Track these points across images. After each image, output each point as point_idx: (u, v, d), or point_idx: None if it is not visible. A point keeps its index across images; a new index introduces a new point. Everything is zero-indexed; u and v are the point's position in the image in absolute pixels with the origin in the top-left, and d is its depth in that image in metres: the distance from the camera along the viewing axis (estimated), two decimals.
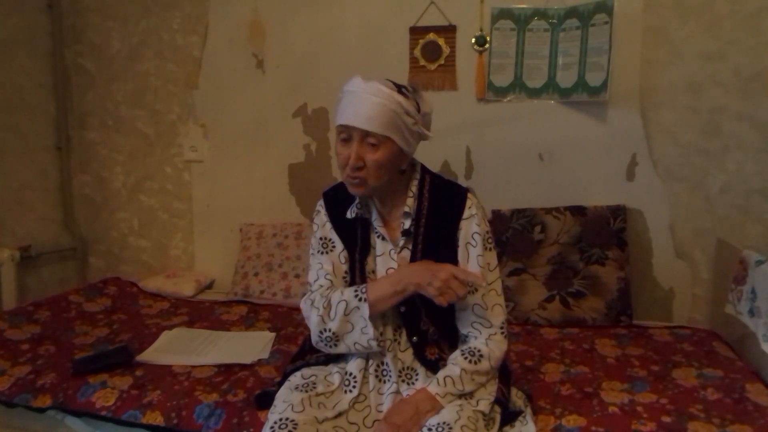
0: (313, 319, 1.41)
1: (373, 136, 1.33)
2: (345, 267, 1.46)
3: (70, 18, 2.95)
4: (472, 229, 1.42)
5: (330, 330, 1.38)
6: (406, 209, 1.43)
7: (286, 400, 1.35)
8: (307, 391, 1.37)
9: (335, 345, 1.40)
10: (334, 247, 1.48)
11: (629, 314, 2.22)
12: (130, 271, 2.99)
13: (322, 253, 1.49)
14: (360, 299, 1.35)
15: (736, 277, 1.86)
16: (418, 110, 1.39)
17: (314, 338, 1.43)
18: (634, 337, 2.10)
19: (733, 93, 2.23)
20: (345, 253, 1.47)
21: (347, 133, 1.36)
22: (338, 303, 1.37)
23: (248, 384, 1.71)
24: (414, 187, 1.45)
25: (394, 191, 1.45)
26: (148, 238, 3.01)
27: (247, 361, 1.87)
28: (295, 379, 1.44)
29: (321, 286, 1.44)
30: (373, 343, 1.36)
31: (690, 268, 2.35)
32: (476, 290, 1.39)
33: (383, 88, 1.34)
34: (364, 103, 1.33)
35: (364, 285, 1.38)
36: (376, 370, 1.42)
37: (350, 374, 1.42)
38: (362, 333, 1.36)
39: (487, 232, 1.45)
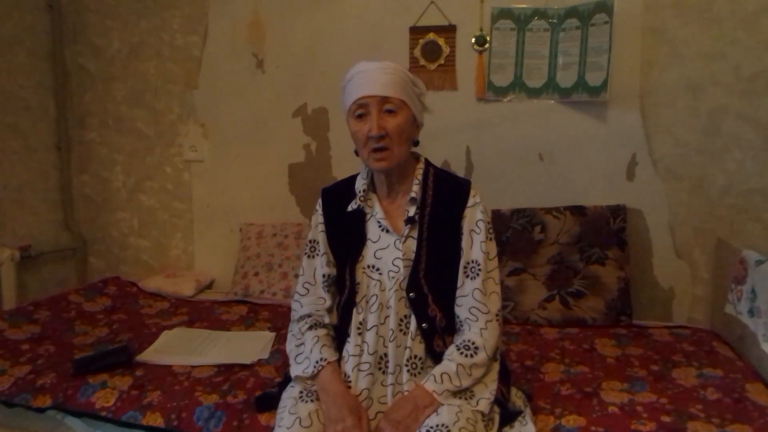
0: (288, 347, 1.53)
1: (391, 101, 1.38)
2: (325, 271, 1.53)
3: (70, 18, 2.96)
4: (476, 216, 1.44)
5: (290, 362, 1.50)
6: (413, 194, 1.45)
7: (292, 412, 1.34)
8: (312, 401, 1.37)
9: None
10: (318, 251, 1.54)
11: (629, 314, 2.22)
12: (130, 271, 3.00)
13: (308, 256, 1.56)
14: (313, 375, 1.42)
15: (736, 277, 1.85)
16: None
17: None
18: (634, 337, 2.10)
19: (733, 93, 2.23)
20: (328, 256, 1.52)
21: (364, 108, 1.38)
22: (305, 358, 1.45)
23: (248, 384, 1.71)
24: (419, 175, 1.48)
25: (403, 175, 1.47)
26: (148, 238, 3.01)
27: (247, 361, 1.87)
28: (299, 385, 1.44)
29: (301, 296, 1.56)
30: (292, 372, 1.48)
31: (690, 268, 2.35)
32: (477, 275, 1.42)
33: (390, 63, 1.41)
34: (374, 74, 1.38)
35: (324, 363, 1.42)
36: (378, 362, 1.42)
37: (345, 374, 1.42)
38: (296, 363, 1.47)
39: (489, 222, 1.47)
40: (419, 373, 1.41)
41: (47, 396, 1.71)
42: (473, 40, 2.46)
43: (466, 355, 1.37)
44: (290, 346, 1.52)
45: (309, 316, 1.53)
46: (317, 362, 1.42)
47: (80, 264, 3.08)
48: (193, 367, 1.84)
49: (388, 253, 1.45)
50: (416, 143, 1.49)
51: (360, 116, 1.39)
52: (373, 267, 1.45)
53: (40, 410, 1.69)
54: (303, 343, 1.48)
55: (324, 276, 1.53)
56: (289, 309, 2.39)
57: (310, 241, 1.56)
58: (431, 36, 2.50)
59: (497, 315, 1.43)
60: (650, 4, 2.28)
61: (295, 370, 1.46)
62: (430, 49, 2.51)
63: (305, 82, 2.68)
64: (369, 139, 1.38)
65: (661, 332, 2.14)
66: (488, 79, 2.46)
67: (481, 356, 1.38)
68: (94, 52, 2.95)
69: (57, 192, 2.99)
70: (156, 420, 1.59)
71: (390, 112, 1.38)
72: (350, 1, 2.59)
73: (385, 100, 1.37)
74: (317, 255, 1.54)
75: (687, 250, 2.35)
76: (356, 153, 1.49)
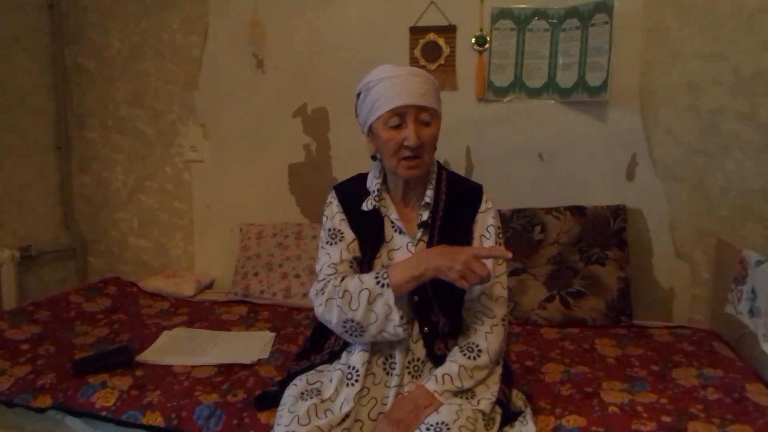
0: (333, 312, 1.35)
1: (427, 111, 1.37)
2: (352, 256, 1.44)
3: (70, 18, 2.95)
4: (487, 221, 1.45)
5: (354, 321, 1.33)
6: (427, 200, 1.45)
7: (291, 410, 1.34)
8: (312, 398, 1.37)
9: (360, 335, 1.35)
10: (342, 237, 1.45)
11: (629, 314, 2.22)
12: (130, 271, 3.00)
13: (330, 244, 1.45)
14: (382, 285, 1.30)
15: (736, 277, 1.85)
16: None
17: (338, 330, 1.38)
18: (634, 337, 2.10)
19: (733, 93, 2.23)
20: (355, 243, 1.45)
21: (400, 117, 1.36)
22: (360, 292, 1.32)
23: (248, 384, 1.71)
24: (433, 180, 1.48)
25: (419, 179, 1.46)
26: (148, 238, 3.01)
27: (247, 361, 1.87)
28: (301, 384, 1.44)
29: (327, 275, 1.40)
30: (399, 330, 1.31)
31: (690, 268, 2.35)
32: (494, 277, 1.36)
33: (418, 69, 1.39)
34: (410, 82, 1.36)
35: (384, 270, 1.34)
36: (384, 363, 1.42)
37: (353, 368, 1.41)
38: (387, 320, 1.31)
39: (499, 228, 1.48)
40: (420, 375, 1.41)
41: (47, 396, 1.70)
42: (473, 40, 2.46)
43: (469, 357, 1.38)
44: (333, 307, 1.34)
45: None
46: (377, 275, 1.32)
47: (80, 264, 3.08)
48: (193, 367, 1.84)
49: (400, 254, 1.45)
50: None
51: (394, 125, 1.37)
52: (385, 268, 1.45)
53: (41, 410, 1.69)
54: (347, 290, 1.33)
55: (351, 260, 1.43)
56: (290, 309, 2.42)
57: (329, 230, 1.46)
58: (431, 36, 2.50)
59: (503, 320, 1.44)
60: (650, 4, 2.28)
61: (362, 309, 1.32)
62: (430, 49, 2.51)
63: (305, 82, 2.68)
64: (403, 148, 1.37)
65: (661, 332, 2.14)
66: (488, 79, 2.46)
67: (484, 359, 1.38)
68: (94, 52, 2.95)
69: (57, 192, 2.99)
70: (156, 419, 1.59)
71: (426, 122, 1.38)
72: (350, 1, 2.58)
73: (422, 109, 1.36)
74: (342, 240, 1.44)
75: (687, 250, 2.35)
76: (373, 158, 1.48)
